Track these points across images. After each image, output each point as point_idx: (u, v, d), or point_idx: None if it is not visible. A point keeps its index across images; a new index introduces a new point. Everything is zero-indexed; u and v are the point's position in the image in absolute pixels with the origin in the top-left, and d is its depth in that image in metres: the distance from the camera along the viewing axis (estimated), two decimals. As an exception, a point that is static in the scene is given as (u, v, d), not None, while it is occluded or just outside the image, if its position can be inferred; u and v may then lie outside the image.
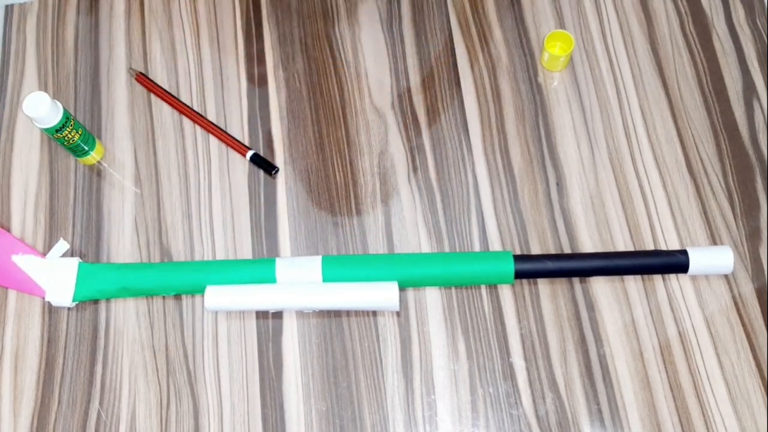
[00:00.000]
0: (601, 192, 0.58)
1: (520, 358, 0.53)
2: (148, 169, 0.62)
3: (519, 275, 0.54)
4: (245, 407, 0.54)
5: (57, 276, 0.56)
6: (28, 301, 0.58)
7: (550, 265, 0.54)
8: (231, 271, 0.55)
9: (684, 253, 0.53)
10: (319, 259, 0.55)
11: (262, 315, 0.57)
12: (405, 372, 0.54)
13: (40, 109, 0.55)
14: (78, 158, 0.62)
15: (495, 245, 0.57)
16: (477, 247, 0.57)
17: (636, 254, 0.54)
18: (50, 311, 0.58)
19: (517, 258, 0.54)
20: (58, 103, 0.57)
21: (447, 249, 0.57)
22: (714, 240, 0.56)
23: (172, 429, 0.54)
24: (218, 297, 0.54)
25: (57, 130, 0.57)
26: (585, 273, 0.54)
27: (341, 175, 0.61)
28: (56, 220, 0.61)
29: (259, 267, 0.55)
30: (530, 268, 0.54)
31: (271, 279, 0.55)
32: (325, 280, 0.54)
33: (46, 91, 0.66)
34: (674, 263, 0.53)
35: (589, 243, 0.56)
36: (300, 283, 0.55)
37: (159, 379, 0.55)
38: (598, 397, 0.52)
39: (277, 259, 0.55)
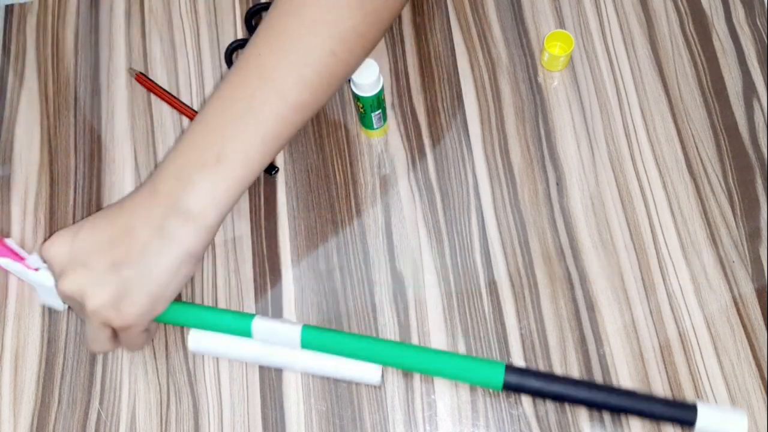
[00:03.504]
0: (601, 192, 0.58)
1: (520, 358, 0.53)
2: (148, 169, 0.62)
3: (508, 388, 0.51)
4: (245, 407, 0.54)
5: (47, 278, 0.56)
6: (28, 301, 0.58)
7: (542, 386, 0.50)
8: (210, 319, 0.54)
9: (693, 409, 0.49)
10: (298, 329, 0.52)
11: (262, 314, 0.56)
12: (405, 372, 0.54)
13: (367, 76, 0.54)
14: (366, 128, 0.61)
15: (495, 245, 0.57)
16: (477, 247, 0.57)
17: (641, 397, 0.50)
18: (50, 311, 0.58)
19: (509, 371, 0.50)
20: (381, 82, 0.55)
21: (447, 249, 0.57)
22: (714, 240, 0.56)
23: (172, 429, 0.54)
24: (201, 344, 0.54)
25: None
26: (582, 402, 0.50)
27: (341, 175, 0.61)
28: (56, 220, 0.61)
29: (236, 321, 0.53)
30: (521, 384, 0.50)
31: (248, 335, 0.53)
32: (303, 346, 0.52)
33: (45, 90, 0.66)
34: (679, 418, 0.49)
35: (588, 242, 0.56)
36: (278, 347, 0.53)
37: (159, 379, 0.55)
38: (598, 397, 0.52)
39: (254, 321, 0.53)
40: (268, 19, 0.49)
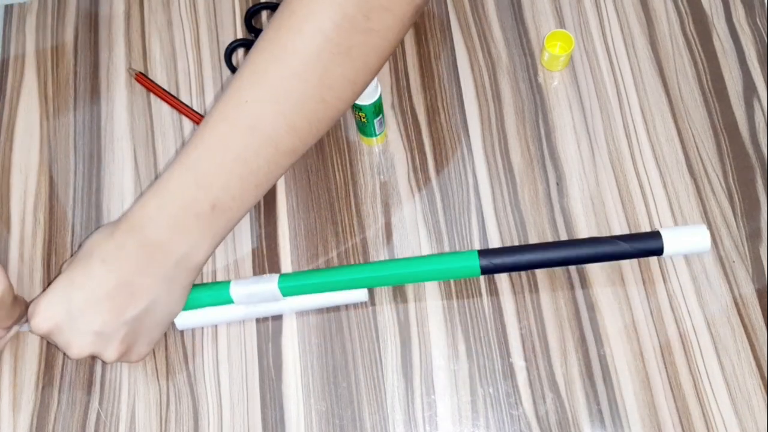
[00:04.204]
0: (601, 192, 0.58)
1: (520, 358, 0.53)
2: (148, 169, 0.62)
3: (486, 271, 0.53)
4: (245, 407, 0.54)
5: None
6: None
7: (516, 258, 0.53)
8: (190, 301, 0.54)
9: (657, 235, 0.52)
10: (275, 284, 0.54)
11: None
12: (405, 372, 0.54)
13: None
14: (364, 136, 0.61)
15: (495, 245, 0.57)
16: (477, 247, 0.57)
17: (608, 242, 0.53)
18: (50, 311, 0.58)
19: (482, 255, 0.53)
20: (379, 87, 0.55)
21: (447, 249, 0.57)
22: (714, 240, 0.56)
23: (172, 429, 0.54)
24: (188, 320, 0.55)
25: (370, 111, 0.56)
26: (552, 263, 0.53)
27: (341, 175, 0.61)
28: (56, 220, 0.61)
29: (215, 296, 0.55)
30: (496, 265, 0.53)
31: (230, 302, 0.55)
32: (285, 295, 0.54)
33: (45, 90, 0.66)
34: (648, 248, 0.52)
35: (589, 243, 0.56)
36: (261, 303, 0.55)
37: (158, 379, 0.55)
38: (598, 397, 0.52)
39: (232, 289, 0.54)
40: (253, 64, 0.47)
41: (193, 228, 0.48)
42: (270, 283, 0.53)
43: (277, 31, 0.46)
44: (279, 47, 0.46)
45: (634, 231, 0.56)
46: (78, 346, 0.48)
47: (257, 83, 0.46)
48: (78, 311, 0.48)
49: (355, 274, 0.54)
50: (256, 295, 0.54)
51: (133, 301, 0.48)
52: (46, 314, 0.48)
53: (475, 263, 0.53)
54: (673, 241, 0.52)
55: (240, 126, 0.47)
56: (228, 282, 0.55)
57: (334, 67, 0.46)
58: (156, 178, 0.62)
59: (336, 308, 0.56)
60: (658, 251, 0.52)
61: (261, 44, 0.47)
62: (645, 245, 0.52)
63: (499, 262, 0.52)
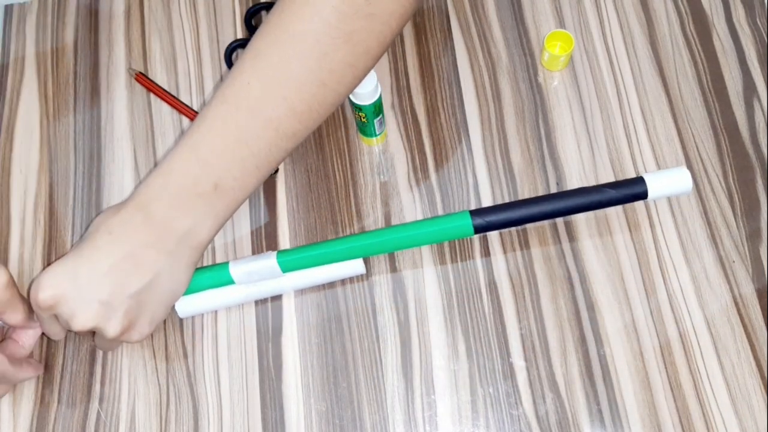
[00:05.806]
0: (601, 192, 0.58)
1: (520, 358, 0.53)
2: (148, 169, 0.62)
3: (478, 230, 0.54)
4: (245, 407, 0.54)
5: None
6: (27, 301, 0.58)
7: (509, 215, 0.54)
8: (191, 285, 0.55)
9: (641, 180, 0.53)
10: (273, 259, 0.54)
11: (262, 315, 0.57)
12: (405, 372, 0.54)
13: (367, 85, 0.54)
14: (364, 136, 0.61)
15: (495, 245, 0.57)
16: (477, 247, 0.57)
17: (593, 191, 0.54)
18: (50, 311, 0.58)
19: (474, 214, 0.54)
20: (379, 87, 0.55)
21: (447, 249, 0.57)
22: (714, 240, 0.56)
23: (172, 429, 0.54)
24: (190, 306, 0.55)
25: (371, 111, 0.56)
26: (542, 216, 0.54)
27: (341, 175, 0.61)
28: (56, 220, 0.61)
29: (215, 277, 0.55)
30: (489, 223, 0.54)
31: (231, 283, 0.55)
32: (285, 271, 0.55)
33: (45, 90, 0.66)
34: (632, 194, 0.53)
35: (588, 242, 0.56)
36: (261, 281, 0.56)
37: (158, 379, 0.55)
38: (598, 397, 0.52)
39: (231, 269, 0.55)
40: (256, 48, 0.48)
41: (195, 207, 0.49)
42: (269, 259, 0.54)
43: (279, 15, 0.47)
44: (280, 31, 0.46)
45: (633, 230, 0.56)
46: (83, 315, 0.48)
47: (258, 66, 0.47)
48: (84, 281, 0.48)
49: (351, 243, 0.54)
50: (256, 273, 0.54)
51: (137, 274, 0.48)
52: (53, 282, 0.48)
53: (468, 222, 0.53)
54: (657, 184, 0.53)
55: (241, 108, 0.47)
56: (226, 263, 0.55)
57: (335, 52, 0.46)
58: (156, 178, 0.62)
59: (337, 308, 0.56)
60: (643, 195, 0.53)
61: (263, 29, 0.48)
62: (630, 190, 0.53)
63: (492, 218, 0.53)
